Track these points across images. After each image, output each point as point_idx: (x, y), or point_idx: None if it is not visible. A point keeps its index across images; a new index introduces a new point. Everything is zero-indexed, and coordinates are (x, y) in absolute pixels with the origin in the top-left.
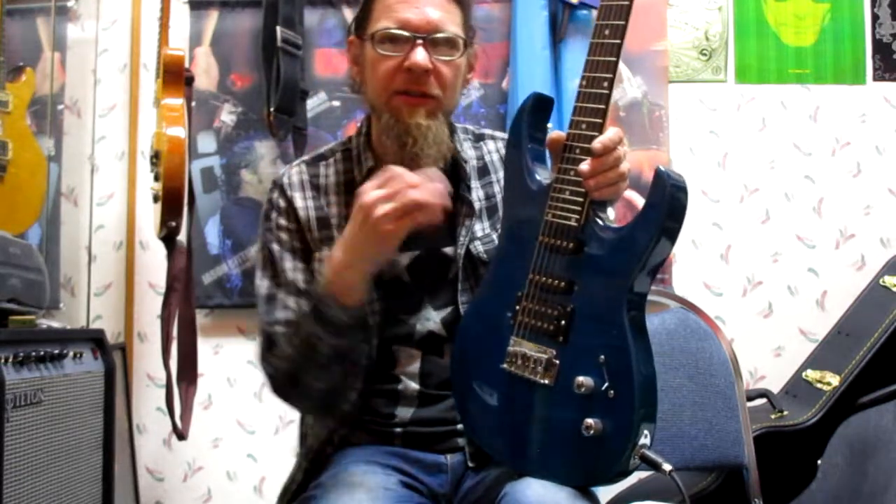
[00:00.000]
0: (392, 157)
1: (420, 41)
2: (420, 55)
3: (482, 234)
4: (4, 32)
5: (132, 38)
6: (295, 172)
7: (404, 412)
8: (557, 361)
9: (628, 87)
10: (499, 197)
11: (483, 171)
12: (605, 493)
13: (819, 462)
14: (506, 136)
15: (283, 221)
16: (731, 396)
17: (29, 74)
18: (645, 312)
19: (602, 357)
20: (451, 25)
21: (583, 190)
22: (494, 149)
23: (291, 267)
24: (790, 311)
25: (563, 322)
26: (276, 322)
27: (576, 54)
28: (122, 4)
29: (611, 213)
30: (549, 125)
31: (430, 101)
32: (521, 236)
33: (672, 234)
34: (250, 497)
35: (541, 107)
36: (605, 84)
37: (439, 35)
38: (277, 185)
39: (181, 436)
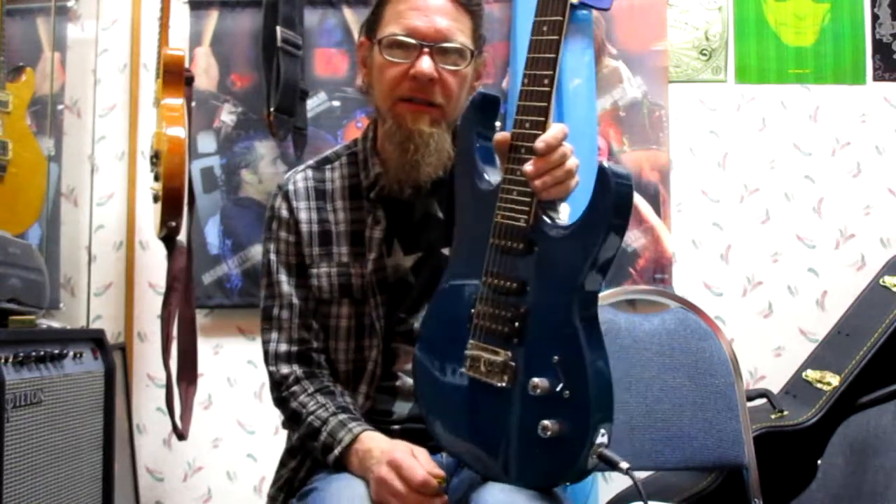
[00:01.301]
0: (394, 163)
1: (427, 49)
2: (426, 63)
3: None
4: (4, 32)
5: (132, 38)
6: (300, 178)
7: (402, 408)
8: (514, 363)
9: (628, 87)
10: None
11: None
12: (605, 493)
13: (819, 462)
14: None
15: (283, 234)
16: (731, 396)
17: (29, 74)
18: (598, 310)
19: (556, 357)
20: (460, 35)
21: (529, 190)
22: None
23: (286, 280)
24: (790, 311)
25: (517, 323)
26: (281, 375)
27: (576, 54)
28: (122, 4)
29: (564, 209)
30: (498, 124)
31: (434, 109)
32: (473, 239)
33: (620, 230)
34: (250, 497)
35: (487, 106)
36: (546, 81)
37: (446, 44)
38: (282, 192)
39: (181, 436)
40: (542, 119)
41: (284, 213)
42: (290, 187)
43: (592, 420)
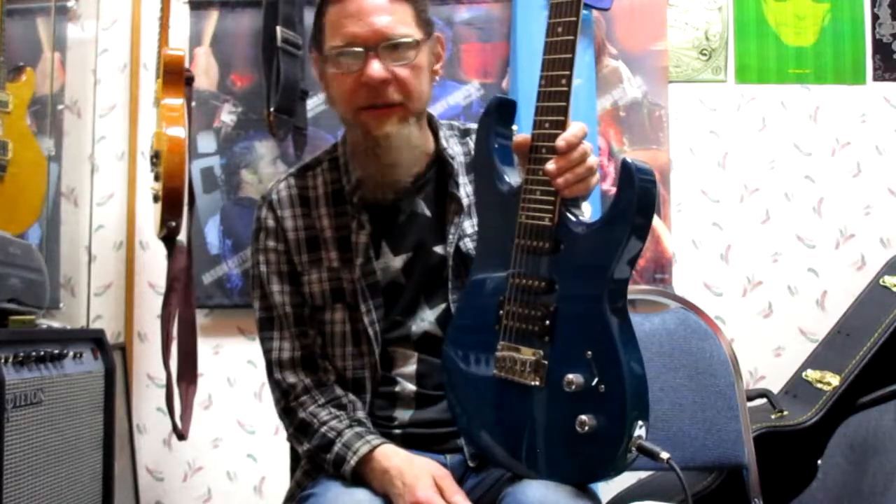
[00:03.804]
0: (369, 171)
1: (371, 53)
2: (374, 68)
3: (472, 231)
4: (4, 32)
5: (132, 38)
6: (283, 187)
7: (403, 414)
8: (546, 362)
9: (628, 87)
10: None
11: (471, 166)
12: (605, 493)
13: (819, 462)
14: None
15: (271, 243)
16: (731, 396)
17: (29, 74)
18: (627, 304)
19: (589, 353)
20: (401, 27)
21: (553, 189)
22: None
23: (279, 290)
24: (790, 311)
25: (547, 322)
26: (282, 382)
27: (576, 54)
28: (122, 4)
29: (586, 207)
30: (515, 127)
31: (396, 108)
32: (497, 240)
33: (645, 224)
34: (250, 497)
35: (504, 110)
36: (564, 81)
37: (390, 42)
38: (266, 202)
39: (181, 436)
40: (562, 118)
41: (271, 222)
42: (274, 196)
43: (629, 412)
